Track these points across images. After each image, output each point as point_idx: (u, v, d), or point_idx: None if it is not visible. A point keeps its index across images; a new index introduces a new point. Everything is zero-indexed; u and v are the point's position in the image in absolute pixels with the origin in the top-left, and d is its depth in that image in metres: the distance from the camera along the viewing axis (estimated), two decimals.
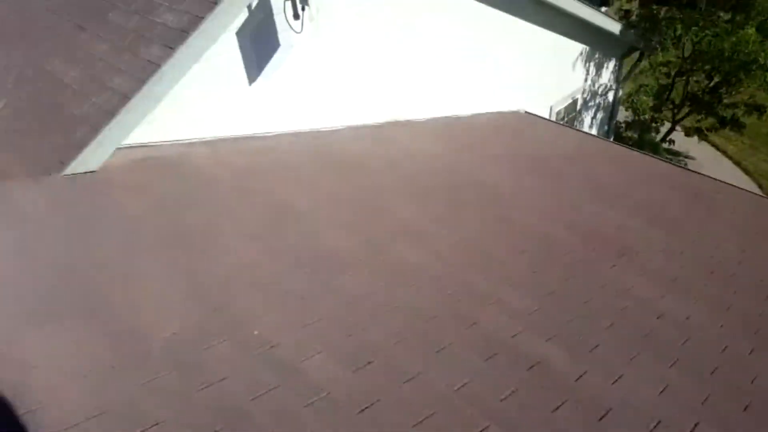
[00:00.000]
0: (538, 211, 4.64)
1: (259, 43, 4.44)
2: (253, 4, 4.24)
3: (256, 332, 2.69)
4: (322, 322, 2.81)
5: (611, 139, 11.00)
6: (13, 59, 4.82)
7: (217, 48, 4.12)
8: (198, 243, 3.33)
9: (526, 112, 7.93)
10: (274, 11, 4.39)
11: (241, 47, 4.35)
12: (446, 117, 6.59)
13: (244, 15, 4.24)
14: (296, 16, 4.25)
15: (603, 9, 9.96)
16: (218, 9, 3.89)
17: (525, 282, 3.52)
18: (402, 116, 6.04)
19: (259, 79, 4.54)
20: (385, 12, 5.36)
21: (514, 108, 7.78)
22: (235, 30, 4.25)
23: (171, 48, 3.81)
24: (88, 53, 4.30)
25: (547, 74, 8.49)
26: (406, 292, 3.20)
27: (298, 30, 4.38)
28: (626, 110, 13.04)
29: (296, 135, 5.04)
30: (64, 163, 3.64)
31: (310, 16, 4.34)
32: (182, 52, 3.83)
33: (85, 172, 3.68)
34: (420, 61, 6.02)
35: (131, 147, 3.93)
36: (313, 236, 3.65)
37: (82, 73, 4.16)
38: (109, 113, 3.73)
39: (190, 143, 4.32)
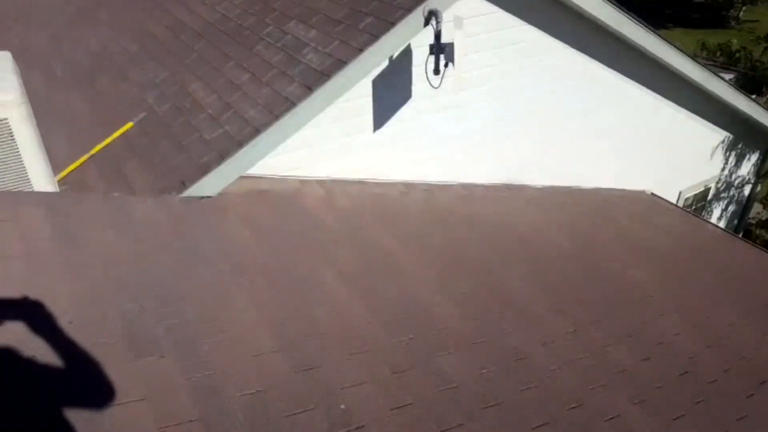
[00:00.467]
0: (675, 319, 4.11)
1: (391, 93, 4.37)
2: (395, 55, 4.18)
3: (342, 407, 2.50)
4: (414, 408, 2.56)
5: (740, 235, 10.14)
6: (158, 74, 5.03)
7: (350, 92, 4.07)
8: (297, 286, 3.20)
9: (652, 194, 7.40)
10: (414, 63, 4.32)
11: (374, 94, 4.29)
12: (566, 187, 6.22)
13: (383, 63, 4.18)
14: (437, 71, 4.13)
15: (753, 97, 9.27)
16: (362, 56, 3.84)
17: (653, 400, 3.10)
18: (517, 179, 5.75)
19: (383, 126, 4.46)
20: (516, 77, 5.15)
21: (640, 187, 7.29)
22: (373, 77, 4.20)
23: (310, 89, 3.79)
24: (229, 81, 4.39)
25: (681, 158, 7.92)
26: (517, 388, 2.88)
27: (436, 85, 4.26)
28: (763, 208, 12.06)
29: (407, 185, 4.88)
30: (185, 184, 3.67)
31: (452, 72, 4.21)
32: (320, 93, 3.80)
33: (202, 197, 3.68)
34: (545, 126, 5.73)
35: (249, 177, 3.92)
36: (414, 297, 3.43)
37: (220, 100, 4.23)
38: (238, 143, 3.74)
39: (305, 181, 4.27)
